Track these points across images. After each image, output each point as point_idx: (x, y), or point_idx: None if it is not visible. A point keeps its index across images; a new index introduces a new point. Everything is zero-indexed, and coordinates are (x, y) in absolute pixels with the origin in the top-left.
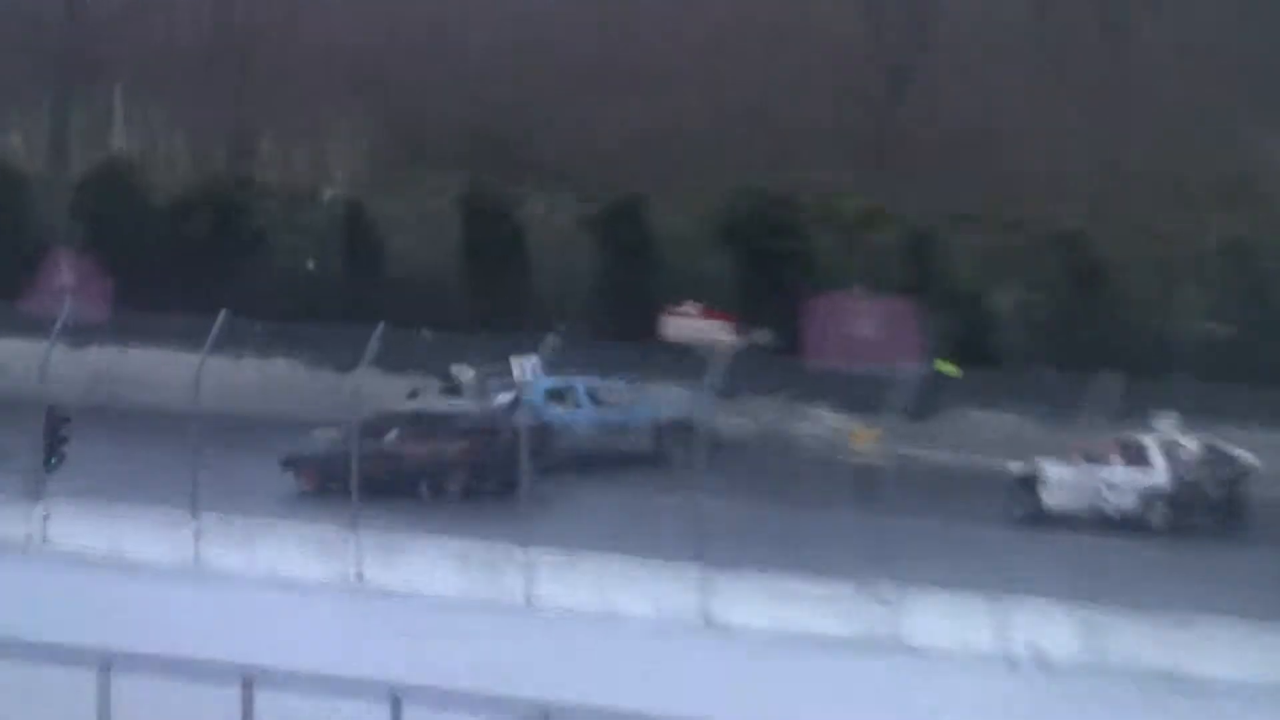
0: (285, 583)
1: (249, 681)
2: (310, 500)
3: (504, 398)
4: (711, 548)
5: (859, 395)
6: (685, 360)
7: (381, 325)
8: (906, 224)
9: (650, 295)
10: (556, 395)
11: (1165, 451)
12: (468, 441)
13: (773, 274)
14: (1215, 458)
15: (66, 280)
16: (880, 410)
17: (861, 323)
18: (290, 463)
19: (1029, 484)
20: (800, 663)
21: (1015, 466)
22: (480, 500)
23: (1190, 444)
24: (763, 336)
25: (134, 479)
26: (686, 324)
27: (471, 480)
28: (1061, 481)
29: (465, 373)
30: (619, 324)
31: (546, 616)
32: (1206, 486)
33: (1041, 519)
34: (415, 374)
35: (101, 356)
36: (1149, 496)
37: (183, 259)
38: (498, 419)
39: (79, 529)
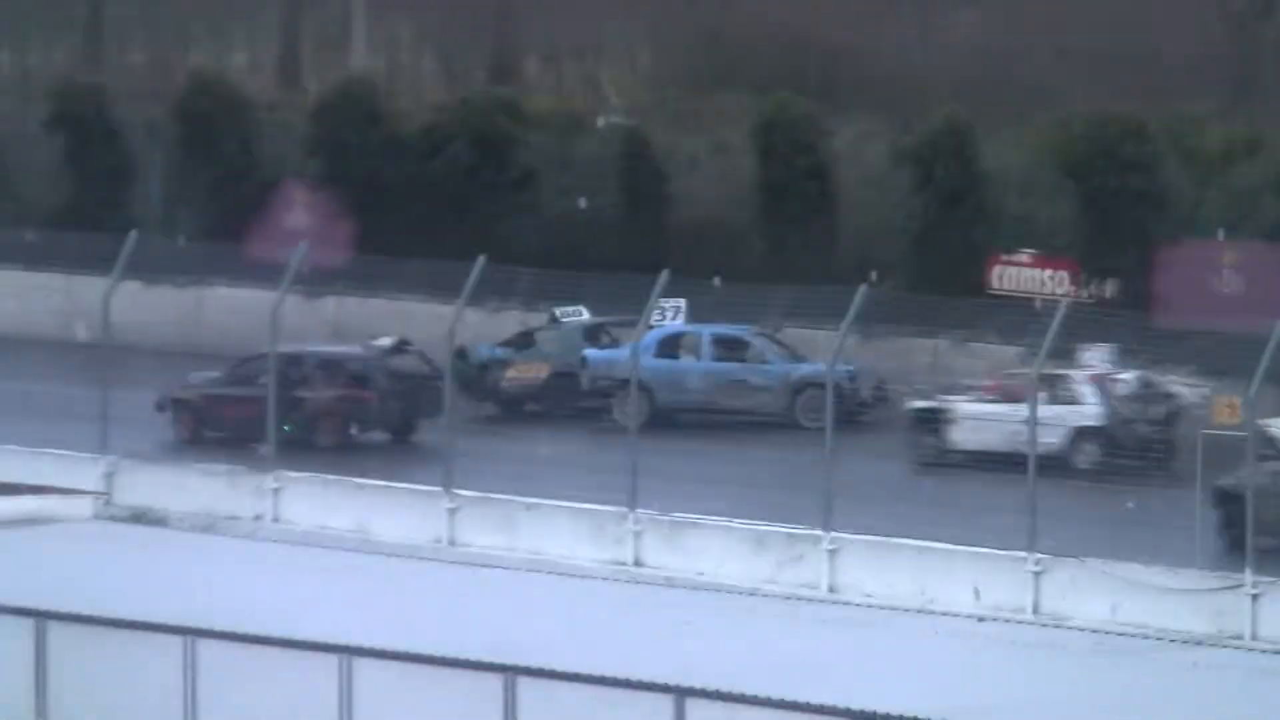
0: (554, 567)
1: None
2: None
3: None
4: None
5: (1220, 358)
6: (1017, 315)
7: (665, 273)
8: None
9: (977, 240)
10: (678, 344)
11: (1096, 386)
12: (341, 389)
13: (1120, 217)
14: (1149, 393)
15: (300, 220)
16: (1245, 376)
17: (1225, 274)
18: (163, 405)
19: (932, 421)
20: (1143, 660)
21: (916, 403)
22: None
23: (1124, 378)
24: (1108, 289)
25: (381, 448)
26: (1019, 273)
27: (343, 430)
28: (974, 419)
29: (576, 314)
30: (940, 272)
31: (852, 610)
32: (1139, 424)
33: (945, 460)
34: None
35: (341, 308)
36: (1076, 435)
37: (434, 196)
38: (375, 366)
39: (315, 504)
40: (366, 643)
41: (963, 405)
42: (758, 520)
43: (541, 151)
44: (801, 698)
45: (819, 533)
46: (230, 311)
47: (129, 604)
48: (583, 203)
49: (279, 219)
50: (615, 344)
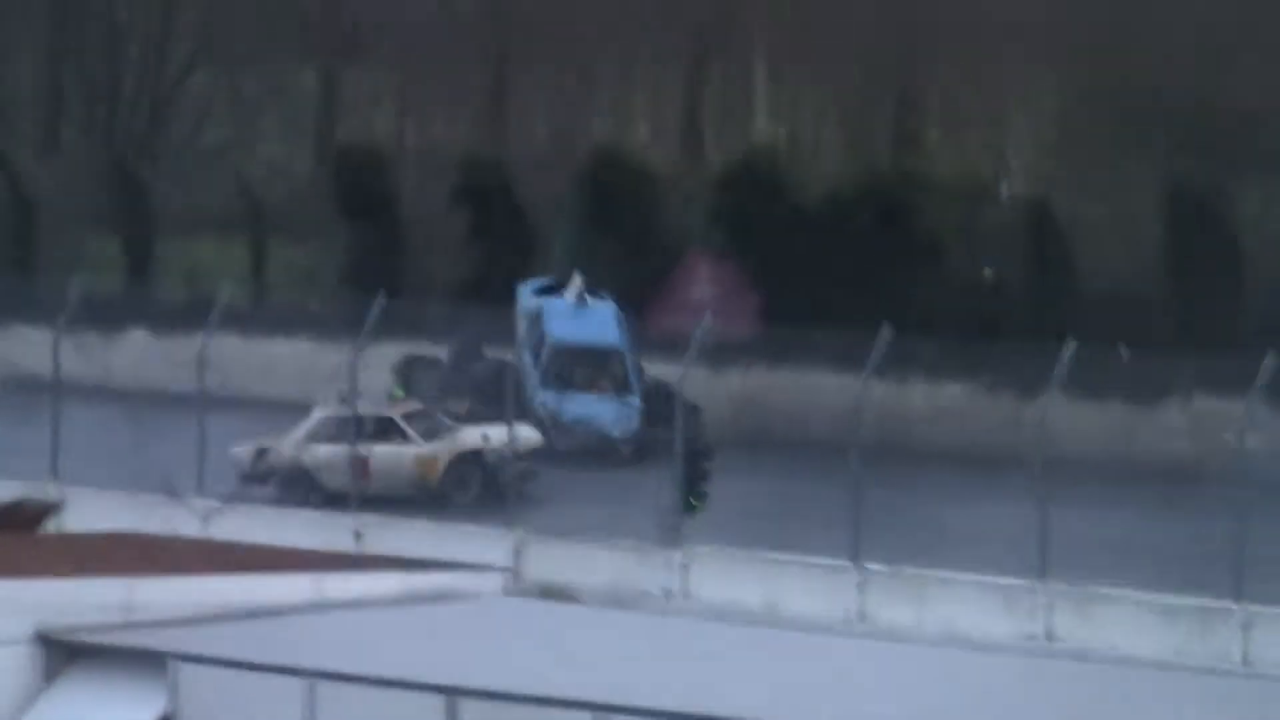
0: (964, 641)
1: None
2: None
3: None
4: None
5: None
6: None
7: (1071, 344)
8: None
9: None
10: None
11: None
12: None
13: None
14: None
15: (705, 292)
16: None
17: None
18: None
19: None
20: None
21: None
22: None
23: None
24: None
25: (785, 522)
26: None
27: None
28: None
29: None
30: None
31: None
32: None
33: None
34: (1113, 398)
35: (746, 380)
36: None
37: (839, 267)
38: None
39: (724, 580)
40: None
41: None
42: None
43: (945, 221)
44: None
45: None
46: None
47: (540, 680)
48: (988, 272)
49: (683, 291)
50: None
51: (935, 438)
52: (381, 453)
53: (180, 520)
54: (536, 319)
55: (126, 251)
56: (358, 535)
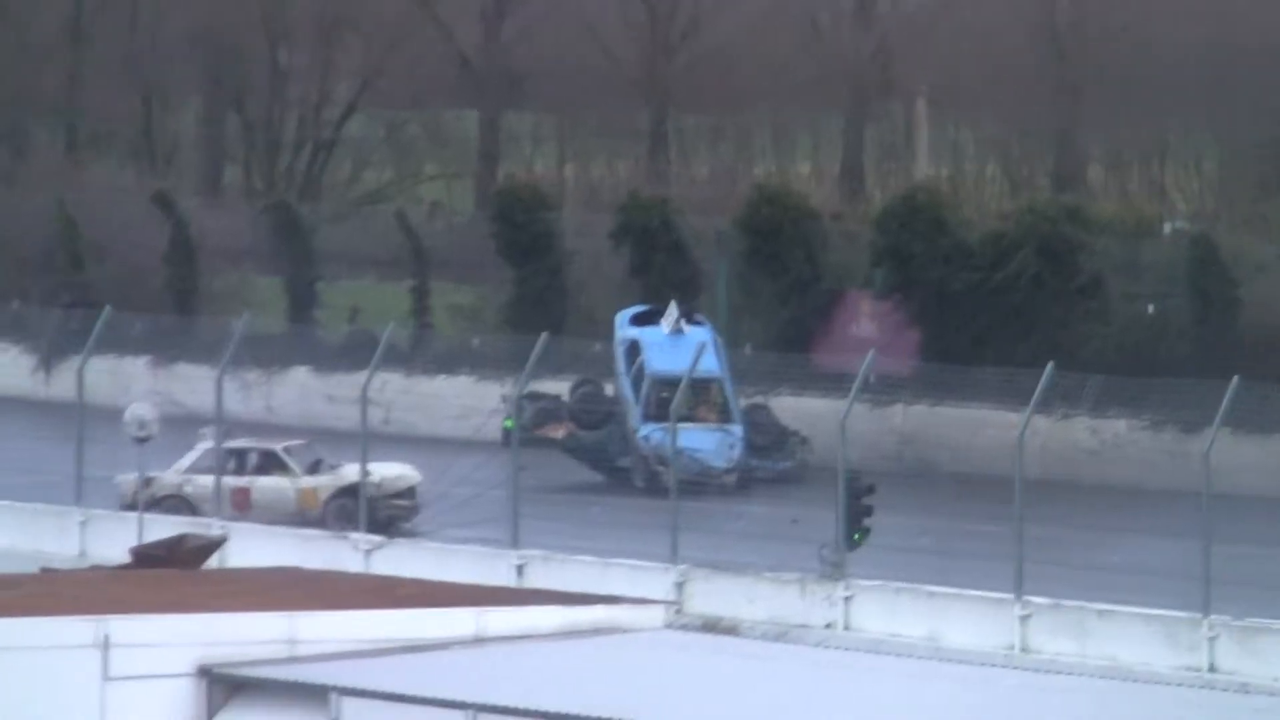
0: (1126, 674)
1: None
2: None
3: None
4: None
5: None
6: None
7: (1236, 380)
8: None
9: None
10: None
11: None
12: None
13: None
14: None
15: (866, 329)
16: None
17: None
18: None
19: None
20: None
21: None
22: None
23: None
24: None
25: (945, 557)
26: None
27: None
28: None
29: None
30: None
31: None
32: None
33: None
34: (1277, 434)
35: (908, 416)
36: None
37: (1000, 304)
38: None
39: (885, 613)
40: None
41: None
42: None
43: (1107, 258)
44: None
45: None
46: (794, 421)
47: (702, 713)
48: (1151, 309)
49: (845, 328)
50: None
51: (1098, 473)
52: (264, 484)
53: (342, 555)
54: (634, 349)
55: (289, 291)
56: (519, 569)
